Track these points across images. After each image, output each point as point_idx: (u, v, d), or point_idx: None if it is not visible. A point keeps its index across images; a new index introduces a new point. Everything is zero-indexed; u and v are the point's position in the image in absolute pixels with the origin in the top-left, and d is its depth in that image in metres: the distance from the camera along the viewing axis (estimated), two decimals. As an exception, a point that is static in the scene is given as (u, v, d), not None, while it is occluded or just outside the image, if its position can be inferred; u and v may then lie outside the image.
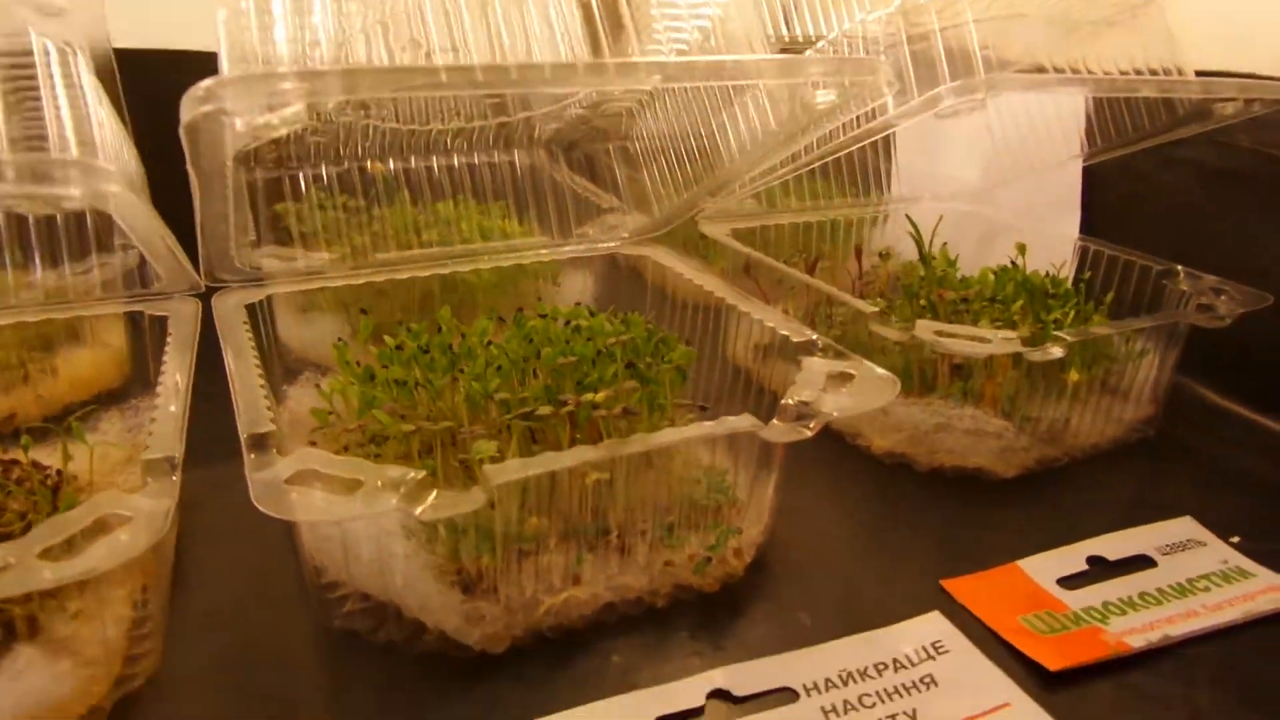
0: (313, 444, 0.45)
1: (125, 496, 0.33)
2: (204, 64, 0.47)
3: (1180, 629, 0.44)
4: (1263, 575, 0.48)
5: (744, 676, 0.40)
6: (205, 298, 0.53)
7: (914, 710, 0.38)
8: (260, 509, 0.33)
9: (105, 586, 0.39)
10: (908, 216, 0.70)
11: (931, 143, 0.83)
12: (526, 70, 0.35)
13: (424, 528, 0.41)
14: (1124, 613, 0.45)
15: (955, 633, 0.43)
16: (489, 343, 0.50)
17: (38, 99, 0.44)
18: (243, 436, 0.37)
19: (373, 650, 0.41)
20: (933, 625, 0.44)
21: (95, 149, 0.45)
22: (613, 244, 0.66)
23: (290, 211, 0.64)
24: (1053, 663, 0.41)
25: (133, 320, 0.54)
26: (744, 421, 0.42)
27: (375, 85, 0.33)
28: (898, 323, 0.55)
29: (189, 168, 0.35)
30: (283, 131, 0.32)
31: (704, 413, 0.46)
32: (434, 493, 0.35)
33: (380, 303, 0.61)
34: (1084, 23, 0.65)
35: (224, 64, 0.45)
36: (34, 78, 0.44)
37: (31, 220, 0.56)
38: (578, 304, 0.56)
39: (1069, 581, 0.47)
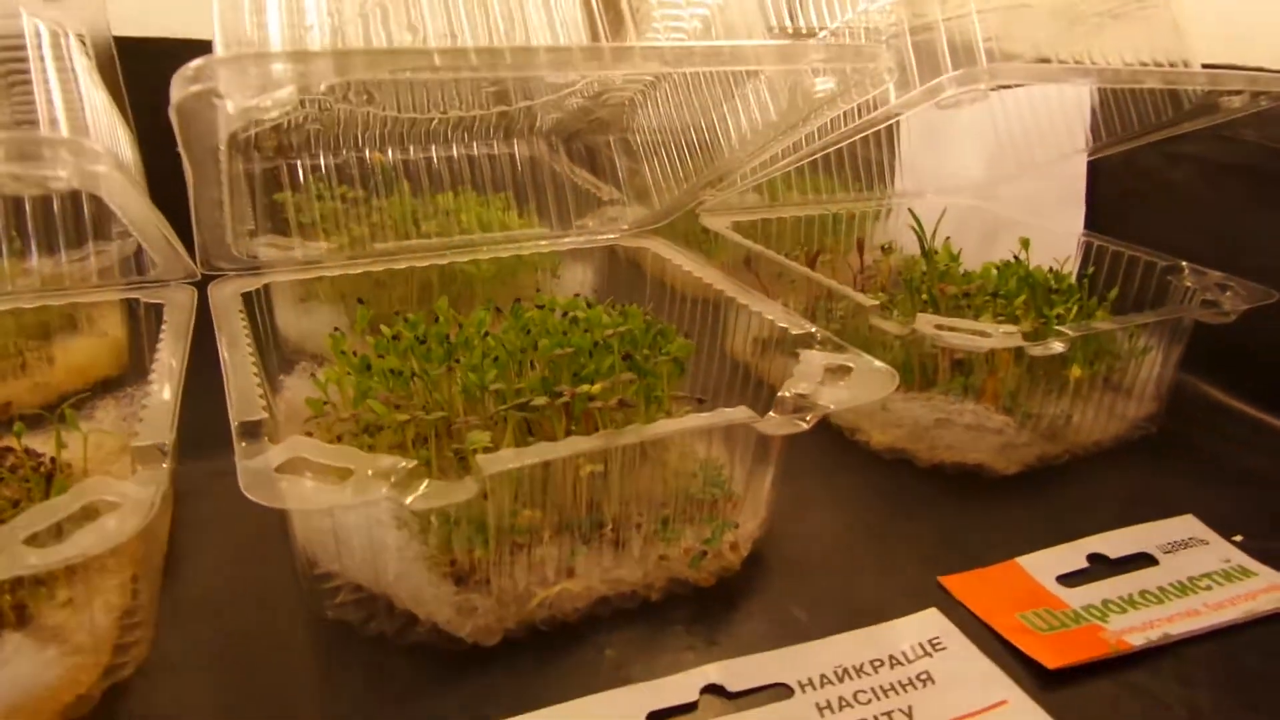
0: (308, 434, 0.44)
1: (113, 482, 0.33)
2: (205, 52, 0.47)
3: (1181, 628, 0.43)
4: (1264, 574, 0.47)
5: (738, 672, 0.39)
6: (203, 286, 0.53)
7: (910, 707, 0.38)
8: (250, 497, 0.32)
9: (95, 575, 0.38)
10: (910, 211, 0.69)
11: (936, 137, 0.82)
12: (521, 54, 0.35)
13: (416, 519, 0.41)
14: (1124, 611, 0.44)
15: (953, 630, 0.43)
16: (486, 334, 0.49)
17: (28, 81, 0.44)
18: (233, 424, 0.37)
19: (364, 641, 0.41)
20: (930, 622, 0.43)
21: (86, 131, 0.45)
22: (612, 236, 0.66)
23: (289, 201, 0.63)
24: (1051, 661, 0.41)
25: (129, 308, 0.53)
26: (740, 413, 0.41)
27: (368, 66, 0.33)
28: (899, 317, 0.55)
29: (180, 150, 0.35)
30: (275, 114, 0.31)
31: (702, 406, 0.46)
32: (425, 482, 0.34)
33: (378, 293, 0.61)
34: (1089, 15, 0.64)
35: (218, 50, 0.44)
36: (25, 60, 0.44)
37: (28, 207, 0.56)
38: (576, 295, 0.56)
39: (1069, 579, 0.47)
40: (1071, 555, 0.48)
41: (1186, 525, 0.52)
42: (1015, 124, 0.74)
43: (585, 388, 0.43)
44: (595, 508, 0.42)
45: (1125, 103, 0.70)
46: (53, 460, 0.44)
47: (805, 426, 0.40)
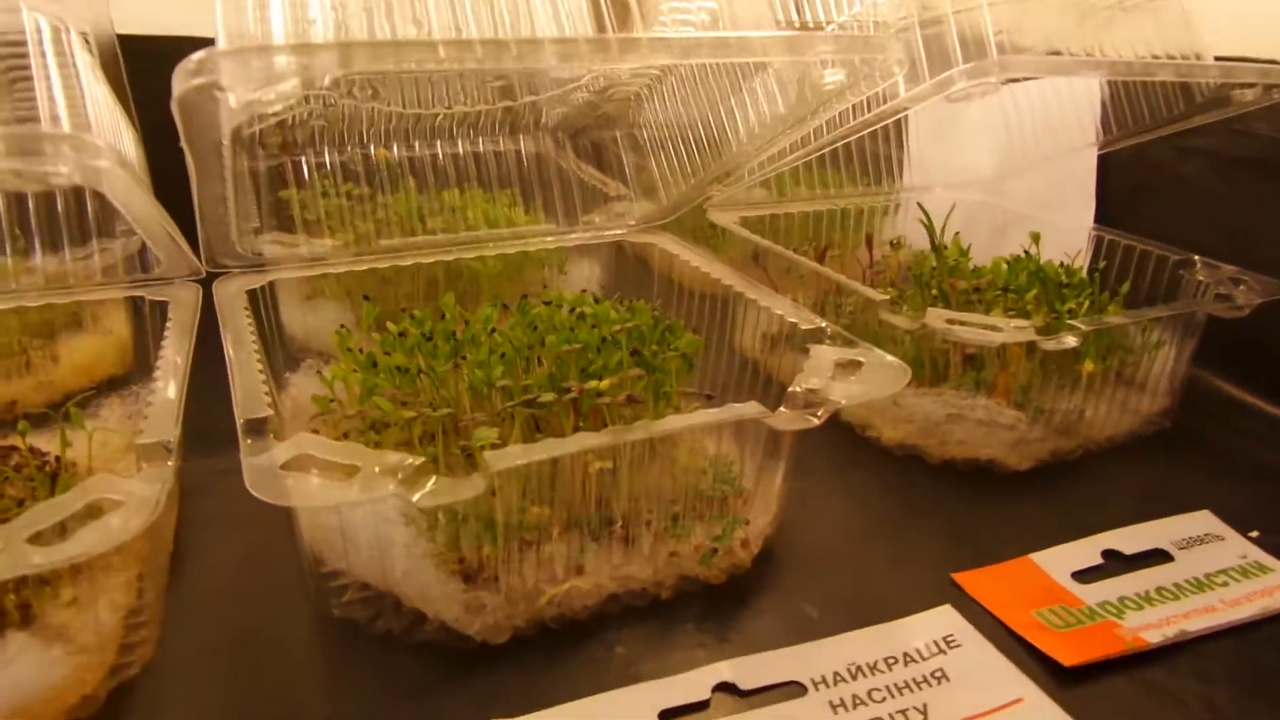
0: (314, 431, 0.44)
1: (118, 480, 0.33)
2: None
3: (1198, 624, 0.43)
4: (1282, 570, 0.47)
5: (750, 669, 0.39)
6: (208, 284, 0.53)
7: (925, 705, 0.38)
8: (255, 494, 0.32)
9: (100, 573, 0.38)
10: (919, 205, 0.69)
11: (945, 132, 0.82)
12: (526, 46, 0.34)
13: (424, 516, 0.40)
14: (1140, 608, 0.44)
15: (967, 627, 0.42)
16: (493, 330, 0.49)
17: (29, 76, 0.44)
18: (239, 421, 0.37)
19: (372, 640, 0.41)
20: (944, 619, 0.43)
21: (88, 126, 0.44)
22: (620, 231, 0.66)
23: (294, 198, 0.63)
24: (1067, 658, 0.40)
25: (134, 306, 0.53)
26: (750, 408, 0.41)
27: (372, 59, 0.33)
28: (909, 311, 0.54)
29: (183, 145, 0.34)
30: (278, 107, 0.31)
31: (710, 402, 0.45)
32: (432, 479, 0.34)
33: (384, 290, 0.61)
34: (1100, 8, 0.63)
35: (220, 44, 0.44)
36: (26, 55, 0.44)
37: (32, 205, 0.56)
38: (583, 291, 0.55)
39: (1083, 575, 0.46)
40: (1086, 551, 0.48)
41: (1202, 521, 0.51)
42: (1025, 118, 0.73)
43: (593, 384, 0.43)
44: (604, 504, 0.42)
45: (1136, 96, 0.70)
46: (57, 459, 0.44)
47: (817, 421, 0.40)
